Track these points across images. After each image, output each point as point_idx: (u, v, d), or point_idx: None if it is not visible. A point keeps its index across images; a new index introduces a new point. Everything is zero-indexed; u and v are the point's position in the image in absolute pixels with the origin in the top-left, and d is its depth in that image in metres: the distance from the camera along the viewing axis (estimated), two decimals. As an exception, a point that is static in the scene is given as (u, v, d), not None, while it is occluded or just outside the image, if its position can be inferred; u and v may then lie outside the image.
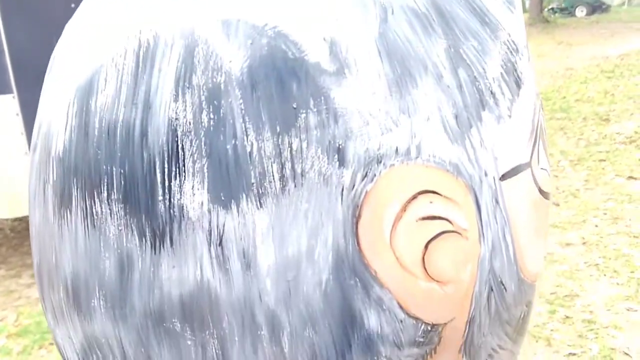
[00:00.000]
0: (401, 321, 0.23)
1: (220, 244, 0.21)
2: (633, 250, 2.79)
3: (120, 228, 0.23)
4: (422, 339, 0.23)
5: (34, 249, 0.27)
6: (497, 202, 0.24)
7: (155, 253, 0.22)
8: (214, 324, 0.22)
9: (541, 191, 0.27)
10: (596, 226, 3.08)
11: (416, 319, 0.23)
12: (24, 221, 4.35)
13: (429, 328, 0.23)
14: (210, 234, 0.21)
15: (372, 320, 0.22)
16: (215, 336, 0.22)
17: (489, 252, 0.24)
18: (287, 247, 0.21)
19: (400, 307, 0.22)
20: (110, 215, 0.23)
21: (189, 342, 0.23)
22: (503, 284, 0.25)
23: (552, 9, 17.91)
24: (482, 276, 0.24)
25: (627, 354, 2.11)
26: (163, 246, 0.22)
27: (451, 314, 0.24)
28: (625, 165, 3.82)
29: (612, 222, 3.10)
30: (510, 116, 0.24)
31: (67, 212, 0.24)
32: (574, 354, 2.17)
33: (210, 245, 0.22)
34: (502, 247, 0.24)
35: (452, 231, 0.23)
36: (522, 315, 0.27)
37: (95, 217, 0.23)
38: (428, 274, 0.22)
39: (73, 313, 0.25)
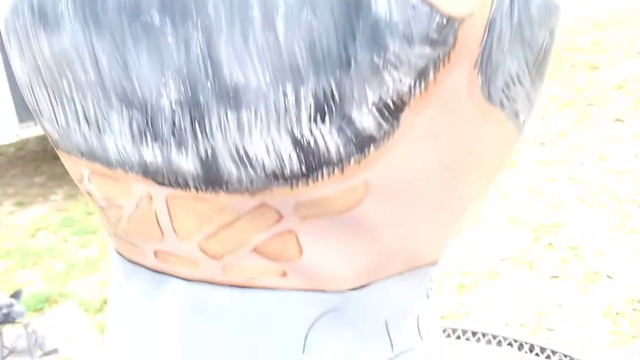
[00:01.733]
0: (413, 7, 0.19)
1: None
2: (619, 185, 2.81)
3: None
4: (435, 36, 0.20)
5: None
6: None
7: None
8: (198, 12, 0.20)
9: None
10: (582, 163, 3.10)
11: (430, 5, 0.20)
12: (3, 155, 4.27)
13: (444, 22, 0.20)
14: None
15: (380, 5, 0.19)
16: (199, 28, 0.20)
17: None
18: None
19: None
20: None
21: (170, 39, 0.20)
22: None
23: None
24: None
25: (610, 277, 2.15)
26: None
27: (469, 5, 0.20)
28: (612, 110, 3.83)
29: (599, 160, 3.12)
30: None
31: None
32: (557, 277, 2.20)
33: None
34: None
35: None
36: (544, 46, 0.24)
37: None
38: None
39: (39, 31, 0.23)
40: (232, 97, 0.21)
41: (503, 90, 0.23)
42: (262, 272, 0.25)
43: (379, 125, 0.21)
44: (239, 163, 0.22)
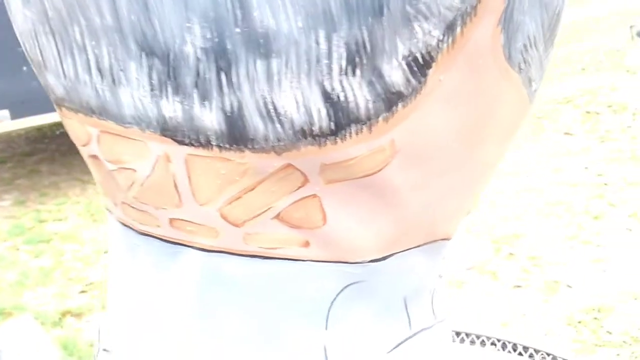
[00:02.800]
0: None
1: None
2: (573, 197, 2.92)
3: None
4: None
5: None
6: None
7: None
8: None
9: None
10: (538, 176, 3.20)
11: None
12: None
13: None
14: None
15: None
16: None
17: None
18: None
19: None
20: None
21: None
22: None
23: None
24: None
25: (569, 286, 2.22)
26: None
27: None
28: (562, 123, 3.98)
29: (553, 172, 3.23)
30: None
31: None
32: (520, 286, 2.26)
33: None
34: None
35: None
36: (557, 9, 0.25)
37: None
38: None
39: None
40: (262, 45, 0.20)
41: (521, 53, 0.24)
42: (284, 241, 0.24)
43: (407, 81, 0.21)
44: (267, 118, 0.21)
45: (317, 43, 0.20)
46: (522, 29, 0.23)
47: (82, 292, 2.48)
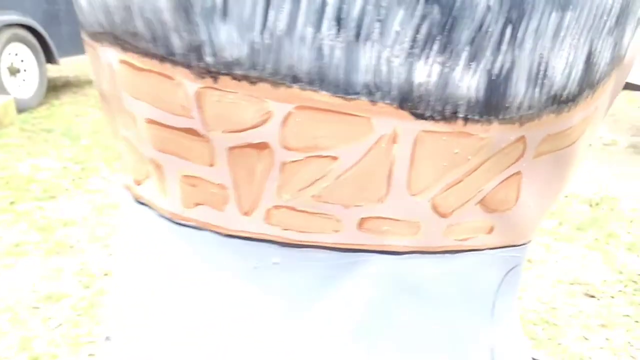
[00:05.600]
0: None
1: None
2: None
3: None
4: None
5: None
6: None
7: None
8: None
9: None
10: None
11: None
12: None
13: None
14: None
15: None
16: None
17: None
18: None
19: None
20: None
21: None
22: None
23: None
24: None
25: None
26: None
27: None
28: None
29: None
30: None
31: None
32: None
33: None
34: None
35: None
36: None
37: None
38: None
39: None
40: None
41: None
42: (476, 229, 0.23)
43: (617, 57, 0.21)
44: (533, 80, 0.19)
45: None
46: None
47: None
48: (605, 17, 0.19)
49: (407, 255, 0.22)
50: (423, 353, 0.23)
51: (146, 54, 0.19)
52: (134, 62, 0.20)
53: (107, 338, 0.28)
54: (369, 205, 0.21)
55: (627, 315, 1.94)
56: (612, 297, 2.02)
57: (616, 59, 0.21)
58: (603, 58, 0.20)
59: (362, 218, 0.21)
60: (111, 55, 0.21)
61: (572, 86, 0.20)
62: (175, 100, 0.19)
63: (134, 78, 0.20)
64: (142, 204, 0.25)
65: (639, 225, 2.56)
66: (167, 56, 0.19)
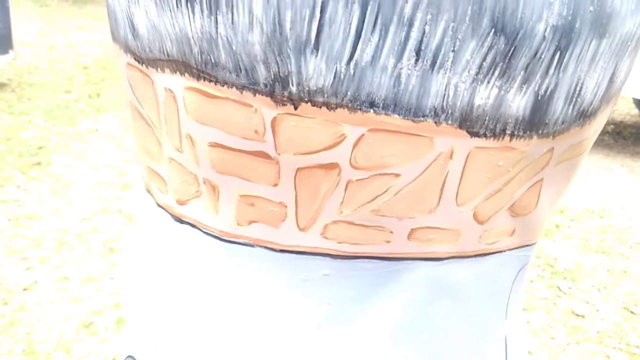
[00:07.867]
0: None
1: None
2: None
3: None
4: None
5: None
6: None
7: None
8: None
9: None
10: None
11: None
12: None
13: None
14: None
15: None
16: None
17: None
18: None
19: None
20: None
21: None
22: None
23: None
24: None
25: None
26: None
27: None
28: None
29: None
30: None
31: None
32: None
33: None
34: None
35: None
36: None
37: None
38: None
39: None
40: (603, 24, 0.20)
41: None
42: (501, 233, 0.25)
43: (628, 74, 0.24)
44: (569, 99, 0.22)
45: (636, 25, 0.21)
46: None
47: None
48: (629, 42, 0.22)
49: (446, 261, 0.24)
50: (454, 347, 0.25)
51: (224, 82, 0.20)
52: (208, 90, 0.20)
53: (130, 357, 0.28)
54: (421, 216, 0.23)
55: (546, 298, 2.06)
56: (532, 282, 2.15)
57: (627, 76, 0.24)
58: (621, 76, 0.23)
59: (412, 229, 0.23)
60: (173, 81, 0.21)
61: (596, 102, 0.23)
62: (249, 126, 0.20)
63: (205, 105, 0.20)
64: (184, 222, 0.25)
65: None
66: (249, 85, 0.19)
